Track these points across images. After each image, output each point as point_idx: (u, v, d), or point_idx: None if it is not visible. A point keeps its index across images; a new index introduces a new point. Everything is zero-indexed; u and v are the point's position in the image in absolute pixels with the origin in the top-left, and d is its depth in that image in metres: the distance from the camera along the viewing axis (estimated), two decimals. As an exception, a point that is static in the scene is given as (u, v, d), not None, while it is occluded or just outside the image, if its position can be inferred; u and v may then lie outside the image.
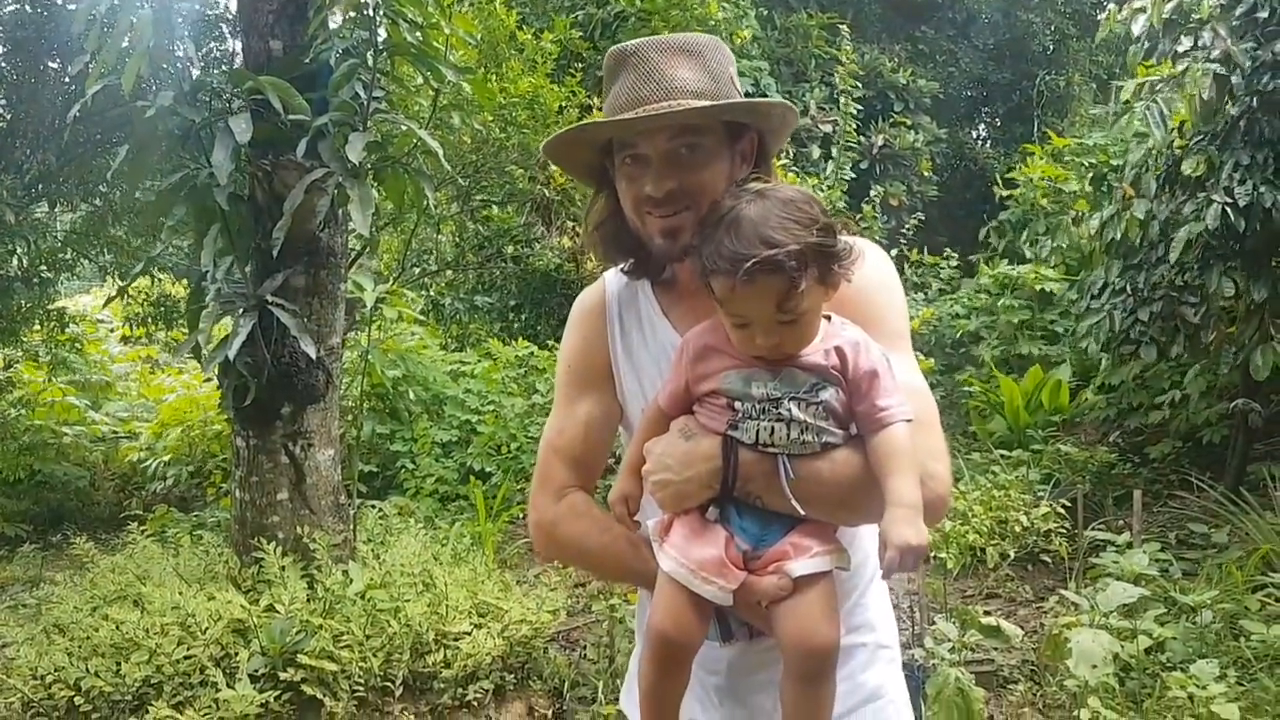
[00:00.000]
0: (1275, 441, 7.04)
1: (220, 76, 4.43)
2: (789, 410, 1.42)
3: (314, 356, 4.04)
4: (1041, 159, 10.74)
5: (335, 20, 3.95)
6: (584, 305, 1.82)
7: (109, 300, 5.53)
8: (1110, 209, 5.87)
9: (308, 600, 4.01)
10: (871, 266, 1.57)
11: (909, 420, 1.41)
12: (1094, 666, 3.07)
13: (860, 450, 1.43)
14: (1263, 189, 4.74)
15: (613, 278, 1.81)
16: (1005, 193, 10.92)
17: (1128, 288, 5.88)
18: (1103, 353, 6.08)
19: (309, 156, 3.79)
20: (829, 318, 1.49)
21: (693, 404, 1.53)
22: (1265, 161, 4.89)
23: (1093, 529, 5.60)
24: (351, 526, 4.49)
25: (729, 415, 1.46)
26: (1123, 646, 3.71)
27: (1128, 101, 6.25)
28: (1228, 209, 4.75)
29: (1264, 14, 4.88)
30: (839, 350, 1.44)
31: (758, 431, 1.43)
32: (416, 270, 9.42)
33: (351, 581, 4.03)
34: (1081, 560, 5.34)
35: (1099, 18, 16.21)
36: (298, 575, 4.12)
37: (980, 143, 16.93)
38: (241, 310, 4.02)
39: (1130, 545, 4.73)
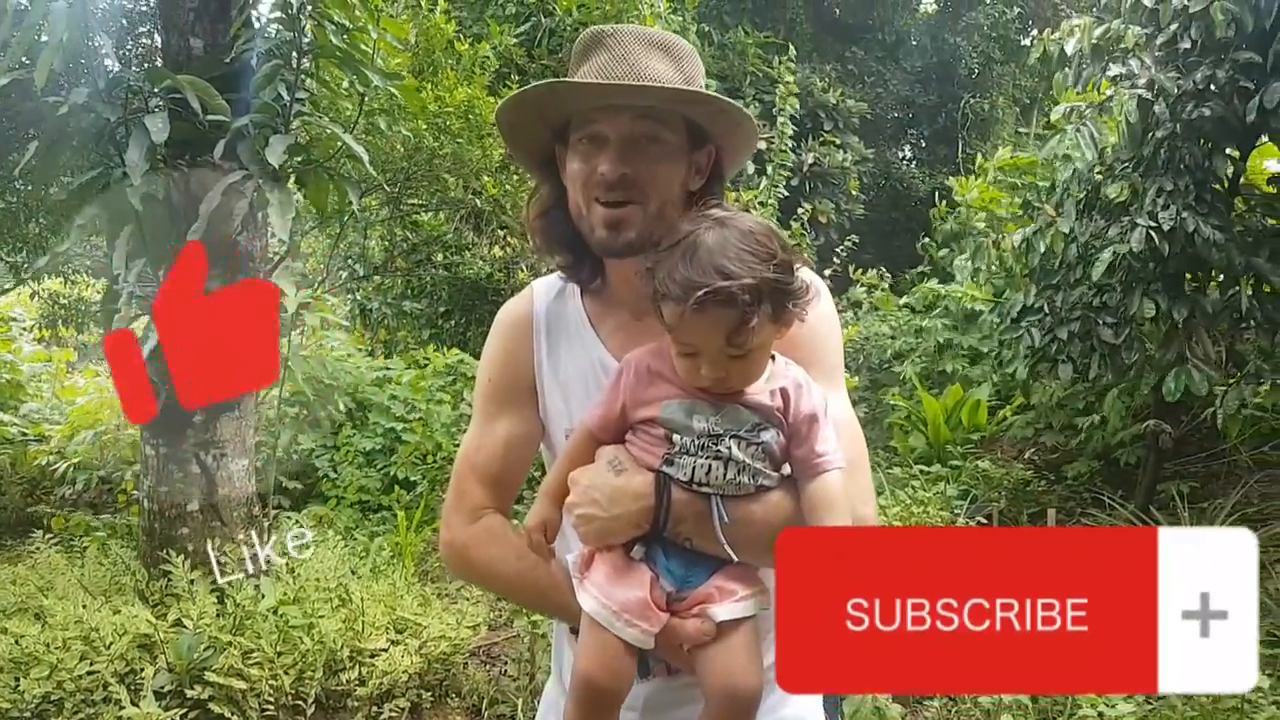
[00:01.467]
0: (1185, 461, 7.25)
1: (138, 74, 4.30)
2: (728, 449, 1.38)
3: (229, 364, 3.93)
4: (987, 177, 10.92)
5: (259, 20, 3.86)
6: (509, 316, 1.73)
7: (1, 290, 5.33)
8: (1032, 227, 5.98)
9: (217, 615, 3.90)
10: (821, 304, 1.54)
11: (842, 467, 1.39)
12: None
13: (792, 493, 1.41)
14: (1184, 214, 4.87)
15: (541, 288, 1.74)
16: (946, 209, 11.09)
17: (1045, 307, 6.00)
18: (1019, 372, 6.18)
19: (227, 158, 3.69)
20: (774, 357, 1.46)
21: (626, 431, 1.47)
22: (1186, 189, 5.03)
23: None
24: (266, 539, 4.37)
25: (664, 449, 1.41)
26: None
27: (1049, 124, 6.42)
28: (1152, 232, 4.87)
29: (1185, 44, 5.02)
30: (783, 392, 1.41)
31: (693, 469, 1.38)
32: (343, 275, 9.25)
33: (263, 597, 3.93)
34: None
35: (1024, 43, 16.69)
36: (207, 589, 4.01)
37: (906, 164, 17.24)
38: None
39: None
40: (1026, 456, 8.31)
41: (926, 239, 11.39)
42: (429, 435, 7.25)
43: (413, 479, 6.97)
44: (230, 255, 4.11)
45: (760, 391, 1.41)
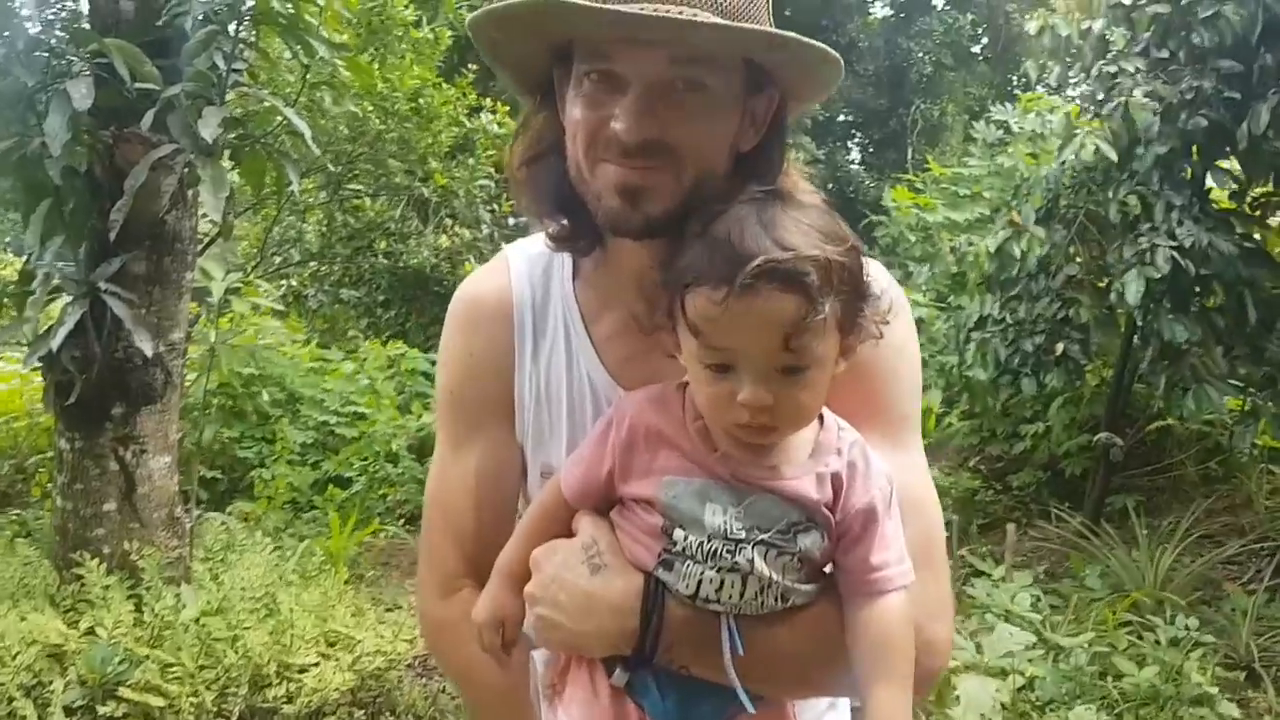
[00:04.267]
0: (1131, 473, 7.25)
1: (61, 36, 3.99)
2: (750, 561, 1.01)
3: (151, 353, 3.64)
4: (916, 185, 10.90)
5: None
6: (478, 300, 1.30)
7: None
8: (1005, 234, 5.82)
9: (134, 625, 3.61)
10: (896, 323, 1.16)
11: (907, 585, 1.05)
12: (982, 716, 2.97)
13: (834, 607, 1.06)
14: (1196, 229, 4.73)
15: (519, 261, 1.31)
16: (875, 219, 11.07)
17: (1007, 319, 5.90)
18: (981, 375, 6.06)
19: (157, 130, 3.40)
20: (822, 419, 1.09)
21: (612, 501, 1.11)
22: (1191, 202, 4.89)
23: (961, 555, 5.60)
24: (188, 542, 4.08)
25: (662, 544, 1.04)
26: (998, 689, 3.64)
27: (1006, 131, 6.32)
28: (1175, 253, 4.69)
29: (1163, 54, 4.91)
30: (835, 478, 1.05)
31: (699, 582, 1.02)
32: (278, 260, 8.91)
33: (184, 606, 3.65)
34: (954, 587, 5.33)
35: (974, 50, 16.77)
36: (123, 596, 3.72)
37: (854, 166, 17.26)
38: (71, 297, 3.61)
39: (1004, 579, 4.71)
40: (972, 465, 8.27)
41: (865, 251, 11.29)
42: (368, 430, 6.93)
43: (348, 477, 6.67)
44: (157, 235, 3.81)
45: (803, 473, 1.05)
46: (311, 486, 6.56)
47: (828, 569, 1.09)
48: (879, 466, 1.07)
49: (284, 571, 4.22)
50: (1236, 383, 5.31)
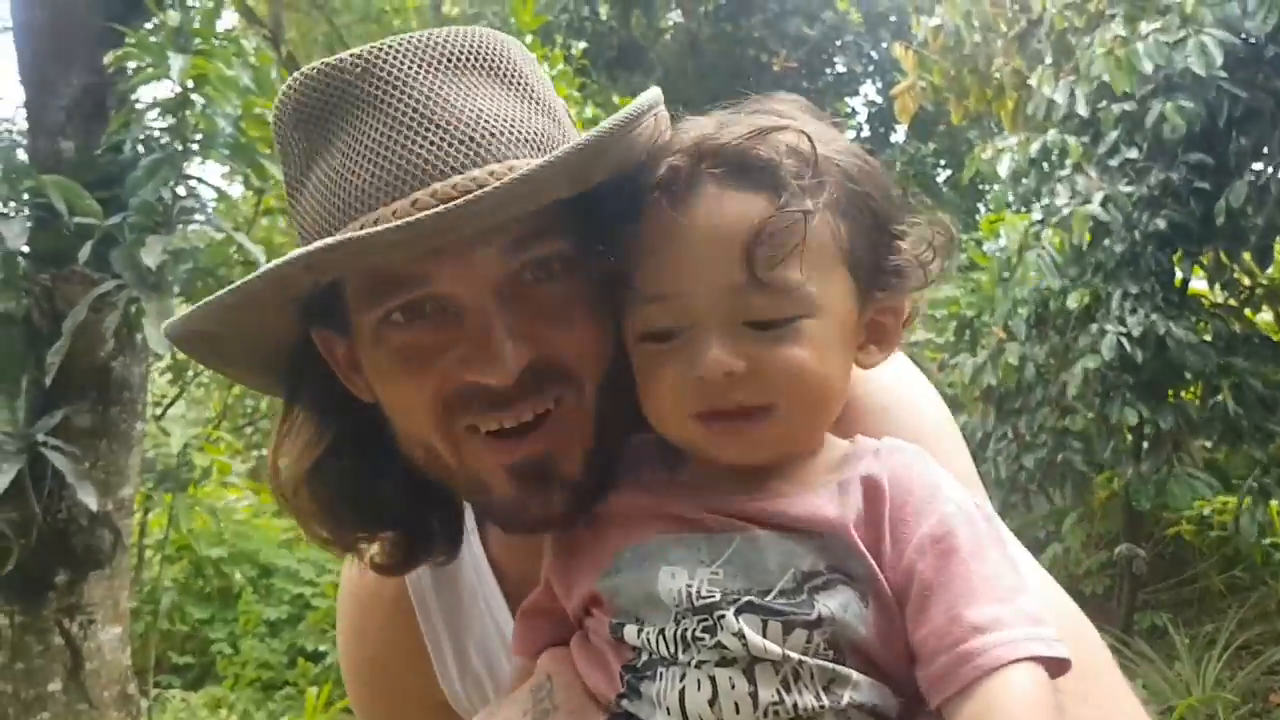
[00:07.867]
0: (1155, 588, 6.92)
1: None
2: (740, 638, 0.63)
3: (97, 511, 3.34)
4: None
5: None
6: (364, 597, 1.06)
7: None
8: (983, 355, 5.68)
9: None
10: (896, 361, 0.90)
11: (1041, 656, 0.63)
12: None
13: None
14: (1154, 317, 4.62)
15: None
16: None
17: (1009, 433, 5.67)
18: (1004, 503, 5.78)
19: (98, 267, 3.18)
20: (853, 442, 0.77)
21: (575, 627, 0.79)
22: (1153, 290, 4.80)
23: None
24: (143, 722, 3.67)
25: (623, 659, 0.70)
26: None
27: (971, 260, 6.28)
28: (1123, 339, 4.57)
29: (1132, 153, 4.86)
30: (868, 484, 0.68)
31: (682, 694, 0.64)
32: (249, 405, 8.32)
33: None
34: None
35: (939, 179, 17.07)
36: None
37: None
38: (7, 454, 3.31)
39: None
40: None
41: None
42: (343, 598, 6.49)
43: (321, 649, 6.20)
44: (102, 384, 3.55)
45: (817, 485, 0.70)
46: (283, 663, 6.10)
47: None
48: (948, 478, 0.71)
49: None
50: (1240, 472, 5.14)
